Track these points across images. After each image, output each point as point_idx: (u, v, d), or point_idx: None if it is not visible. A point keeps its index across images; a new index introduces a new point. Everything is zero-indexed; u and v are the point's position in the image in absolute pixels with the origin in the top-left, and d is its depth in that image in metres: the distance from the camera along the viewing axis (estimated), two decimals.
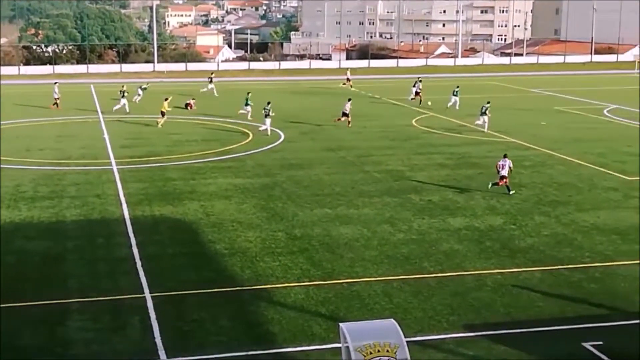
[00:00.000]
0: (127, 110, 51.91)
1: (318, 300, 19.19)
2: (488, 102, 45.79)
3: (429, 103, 54.26)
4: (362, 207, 27.89)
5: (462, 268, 21.44)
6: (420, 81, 58.41)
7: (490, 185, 29.74)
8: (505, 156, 29.88)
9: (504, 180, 29.21)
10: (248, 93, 51.29)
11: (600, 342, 16.66)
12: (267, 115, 43.42)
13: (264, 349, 16.56)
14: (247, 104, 49.73)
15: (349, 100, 48.21)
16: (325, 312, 18.46)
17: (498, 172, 29.41)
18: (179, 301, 19.13)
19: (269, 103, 44.44)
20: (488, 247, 23.31)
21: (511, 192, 29.21)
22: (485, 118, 44.24)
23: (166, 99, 48.07)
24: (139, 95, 57.65)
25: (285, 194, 29.80)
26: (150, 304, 18.88)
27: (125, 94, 53.11)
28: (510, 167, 29.39)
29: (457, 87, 54.50)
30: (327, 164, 35.46)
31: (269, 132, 43.26)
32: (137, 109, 53.63)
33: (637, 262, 21.87)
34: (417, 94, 56.63)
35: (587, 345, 16.58)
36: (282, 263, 21.89)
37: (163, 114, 46.87)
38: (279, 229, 25.21)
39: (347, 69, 78.35)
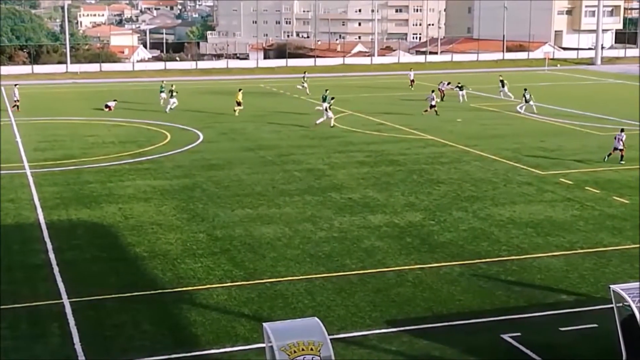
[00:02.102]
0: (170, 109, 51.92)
1: (241, 300, 19.14)
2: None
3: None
4: (283, 206, 27.92)
5: (383, 264, 21.68)
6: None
7: (605, 157, 34.90)
8: (622, 130, 35.48)
9: (620, 151, 34.59)
10: (326, 90, 51.54)
11: (518, 334, 17.09)
12: (327, 109, 46.01)
13: (187, 351, 16.43)
14: (324, 101, 49.86)
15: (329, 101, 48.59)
16: (249, 312, 18.43)
17: (616, 145, 34.72)
18: (99, 306, 18.79)
19: (332, 98, 47.82)
20: (408, 243, 23.63)
21: (622, 162, 34.28)
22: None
23: (240, 90, 52.26)
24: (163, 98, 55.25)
25: (205, 195, 29.59)
26: (69, 310, 18.50)
27: (175, 94, 52.83)
28: (623, 142, 34.72)
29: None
30: (247, 164, 35.36)
31: (332, 123, 45.59)
32: (52, 110, 52.38)
33: (551, 254, 22.51)
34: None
35: (506, 336, 16.99)
36: (204, 264, 21.73)
37: (239, 103, 50.99)
38: (200, 230, 25.02)
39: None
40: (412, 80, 68.10)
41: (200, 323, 17.81)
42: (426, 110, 50.71)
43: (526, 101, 51.95)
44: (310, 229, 25.10)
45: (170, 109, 51.94)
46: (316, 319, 13.84)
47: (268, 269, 21.31)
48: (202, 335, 17.21)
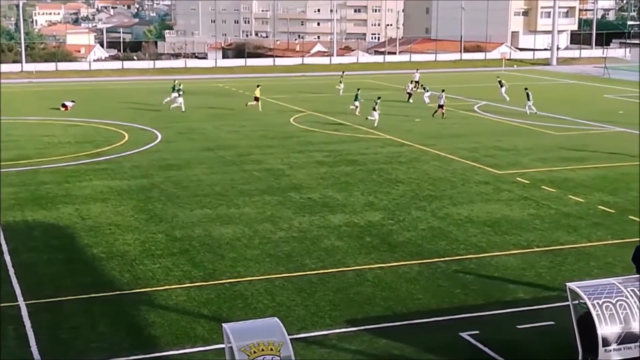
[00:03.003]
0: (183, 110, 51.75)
1: (200, 301, 19.04)
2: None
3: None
4: (243, 206, 27.83)
5: (343, 264, 21.72)
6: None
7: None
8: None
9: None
10: (358, 89, 51.73)
11: (477, 332, 17.25)
12: (374, 109, 45.81)
13: (146, 353, 16.30)
14: (356, 99, 50.17)
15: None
16: (208, 313, 18.34)
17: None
18: (56, 308, 18.56)
19: (379, 98, 47.36)
20: (368, 242, 23.71)
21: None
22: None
23: (258, 86, 53.81)
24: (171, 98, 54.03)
25: (164, 195, 29.38)
26: (24, 312, 18.24)
27: (181, 93, 52.58)
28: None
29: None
30: (206, 164, 35.18)
31: (376, 124, 45.22)
32: (7, 110, 51.59)
33: (509, 253, 22.75)
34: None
35: (464, 334, 17.13)
36: (163, 265, 21.58)
37: (257, 99, 52.18)
38: (159, 230, 24.84)
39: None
40: (417, 82, 63.14)
41: (158, 324, 17.67)
42: (436, 112, 49.28)
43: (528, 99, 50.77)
44: (270, 229, 25.06)
45: (175, 106, 52.10)
46: (276, 319, 13.83)
47: (227, 270, 21.23)
48: (161, 336, 17.09)
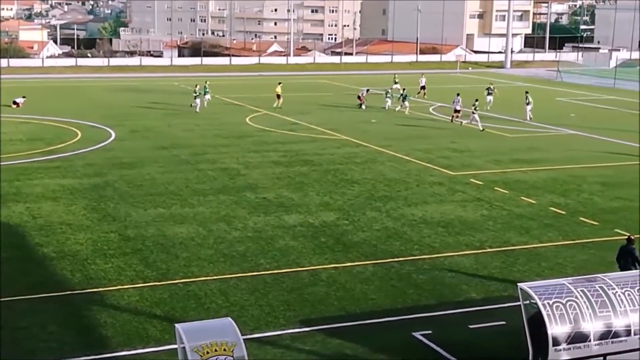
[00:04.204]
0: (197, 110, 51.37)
1: (153, 301, 18.88)
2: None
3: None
4: (197, 205, 27.66)
5: (297, 264, 21.71)
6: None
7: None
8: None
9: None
10: (404, 89, 53.27)
11: (429, 331, 17.37)
12: (474, 112, 46.05)
13: (97, 353, 16.12)
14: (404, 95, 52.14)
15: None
16: (161, 313, 18.19)
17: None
18: (5, 308, 18.22)
19: (477, 100, 47.35)
20: (323, 242, 23.73)
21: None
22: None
23: (279, 83, 55.31)
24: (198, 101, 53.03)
25: (117, 194, 29.07)
26: None
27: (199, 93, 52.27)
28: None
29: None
30: (160, 163, 34.90)
31: (480, 127, 45.27)
32: None
33: (462, 253, 22.95)
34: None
35: (417, 334, 17.24)
36: (115, 265, 21.35)
37: (278, 96, 53.65)
38: (111, 230, 24.57)
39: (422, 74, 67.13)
40: (423, 87, 61.36)
41: (110, 324, 17.48)
42: (452, 117, 48.52)
43: (527, 104, 50.18)
44: (225, 228, 24.95)
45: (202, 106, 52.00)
46: (229, 319, 13.77)
47: (181, 269, 21.08)
48: (113, 336, 16.90)
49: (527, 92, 52.62)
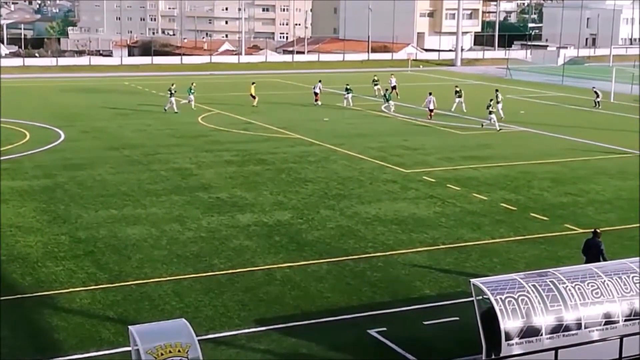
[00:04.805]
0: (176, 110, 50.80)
1: (106, 304, 18.66)
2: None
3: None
4: (150, 206, 27.43)
5: (252, 264, 21.65)
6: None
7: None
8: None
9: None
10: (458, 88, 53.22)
11: (384, 328, 17.46)
12: (490, 112, 45.74)
13: (48, 357, 15.88)
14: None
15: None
16: (114, 315, 18.00)
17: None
18: None
19: (491, 100, 47.44)
20: (277, 241, 23.70)
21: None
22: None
23: (253, 83, 55.54)
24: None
25: (67, 196, 28.68)
26: None
27: (174, 92, 51.04)
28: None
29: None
30: (111, 163, 34.52)
31: (497, 127, 45.21)
32: None
33: (415, 250, 23.11)
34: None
35: (372, 332, 17.31)
36: (66, 267, 21.06)
37: (253, 96, 53.81)
38: (62, 232, 24.24)
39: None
40: (394, 87, 60.26)
41: (62, 328, 17.25)
42: (430, 116, 49.03)
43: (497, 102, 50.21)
44: (178, 229, 24.77)
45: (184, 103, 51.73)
46: (184, 320, 13.68)
47: (134, 271, 20.88)
48: (65, 340, 16.68)
49: (497, 91, 53.60)
